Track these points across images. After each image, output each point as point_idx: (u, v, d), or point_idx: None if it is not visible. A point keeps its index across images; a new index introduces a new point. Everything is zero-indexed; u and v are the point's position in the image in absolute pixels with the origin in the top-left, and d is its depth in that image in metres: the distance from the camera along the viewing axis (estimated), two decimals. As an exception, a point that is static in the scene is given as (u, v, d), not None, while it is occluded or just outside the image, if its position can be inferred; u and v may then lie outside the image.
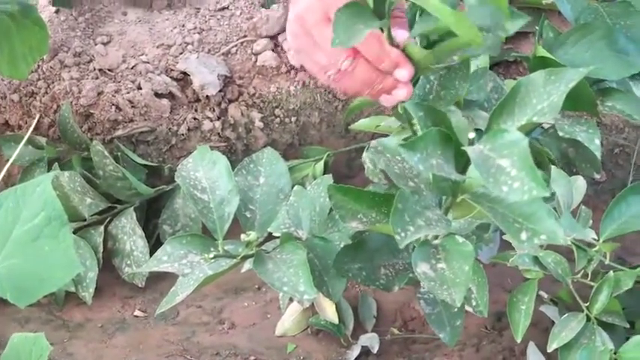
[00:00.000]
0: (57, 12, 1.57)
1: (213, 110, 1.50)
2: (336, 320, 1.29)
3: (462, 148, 0.69)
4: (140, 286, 1.43)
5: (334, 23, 0.69)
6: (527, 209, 0.70)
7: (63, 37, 1.53)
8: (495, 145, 0.65)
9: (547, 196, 0.62)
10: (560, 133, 1.02)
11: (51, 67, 1.48)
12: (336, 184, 0.85)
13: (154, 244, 1.44)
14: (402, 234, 0.71)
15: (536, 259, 1.09)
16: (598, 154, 1.00)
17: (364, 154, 1.15)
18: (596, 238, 1.05)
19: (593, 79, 1.08)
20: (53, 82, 1.47)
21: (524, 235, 0.70)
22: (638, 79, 1.09)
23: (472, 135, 0.70)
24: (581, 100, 1.06)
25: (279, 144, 1.57)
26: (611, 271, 1.07)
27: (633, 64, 1.06)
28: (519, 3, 1.53)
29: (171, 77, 1.49)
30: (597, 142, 1.01)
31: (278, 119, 1.54)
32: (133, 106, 1.45)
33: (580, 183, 1.07)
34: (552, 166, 0.99)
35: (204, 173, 1.00)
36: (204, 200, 0.97)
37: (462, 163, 0.71)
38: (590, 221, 1.08)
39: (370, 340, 1.31)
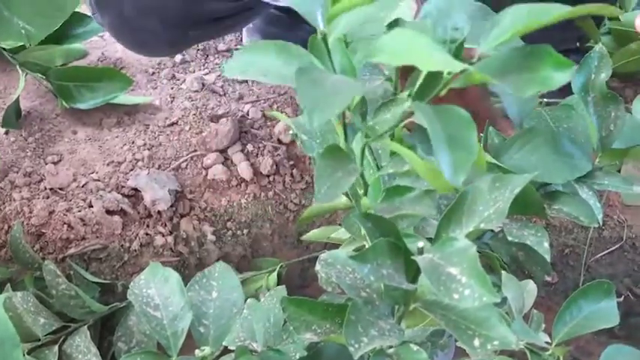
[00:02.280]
0: (6, 133, 1.57)
1: (165, 225, 1.50)
2: None
3: (412, 257, 0.69)
4: (96, 406, 1.40)
5: (317, 174, 0.71)
6: (480, 315, 0.71)
7: (13, 157, 1.53)
8: (444, 253, 0.66)
9: (498, 302, 0.62)
10: (509, 238, 1.03)
11: (1, 188, 1.48)
12: (289, 297, 0.85)
13: (109, 361, 1.42)
14: (356, 345, 0.71)
15: (490, 365, 1.09)
16: (548, 257, 1.01)
17: (317, 265, 1.16)
18: (549, 341, 1.05)
19: (540, 182, 1.10)
20: (4, 203, 1.47)
21: (477, 342, 0.70)
22: (583, 181, 1.11)
23: (421, 244, 0.71)
24: (529, 205, 1.08)
25: (232, 257, 1.57)
26: (566, 375, 1.07)
27: (578, 167, 1.08)
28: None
29: (122, 194, 1.49)
30: (546, 245, 1.02)
31: (230, 232, 1.54)
32: (84, 224, 1.45)
33: (531, 287, 1.08)
34: (503, 272, 1.00)
35: (157, 290, 0.99)
36: (158, 317, 0.96)
37: (413, 271, 0.72)
38: (543, 325, 1.08)
39: None
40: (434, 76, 0.62)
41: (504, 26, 0.57)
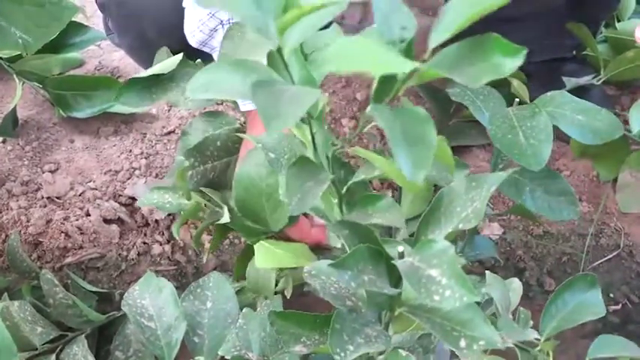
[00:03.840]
0: (3, 142, 1.58)
1: (163, 234, 1.50)
2: None
3: (392, 262, 0.69)
4: (92, 413, 1.40)
5: (286, 186, 0.71)
6: (464, 317, 0.71)
7: (10, 166, 1.53)
8: (424, 255, 0.66)
9: (481, 301, 0.62)
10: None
11: (-2, 197, 1.48)
12: (277, 311, 0.85)
13: (107, 370, 1.42)
14: (342, 353, 0.72)
15: (481, 366, 1.09)
16: None
17: (304, 276, 1.16)
18: (539, 337, 1.05)
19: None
20: (1, 212, 1.47)
21: (463, 343, 0.70)
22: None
23: (401, 248, 0.71)
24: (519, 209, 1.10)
25: (229, 265, 1.56)
26: (556, 371, 1.07)
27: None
28: (461, 117, 1.56)
29: (119, 203, 1.49)
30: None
31: (227, 240, 1.54)
32: (82, 233, 1.45)
33: (516, 285, 1.07)
34: (487, 271, 1.00)
35: (151, 301, 1.00)
36: (152, 328, 0.96)
37: (395, 276, 0.72)
38: (531, 322, 1.08)
39: None
40: (388, 78, 0.62)
41: (449, 20, 0.58)
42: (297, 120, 0.52)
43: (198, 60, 1.19)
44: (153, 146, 1.58)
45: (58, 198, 1.49)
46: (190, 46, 1.24)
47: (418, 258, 0.67)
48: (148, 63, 1.55)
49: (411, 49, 0.65)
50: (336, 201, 0.84)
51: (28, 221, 1.45)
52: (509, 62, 0.54)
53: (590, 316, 1.06)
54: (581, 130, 1.20)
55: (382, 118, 0.55)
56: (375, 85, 0.63)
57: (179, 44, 1.38)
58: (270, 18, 0.59)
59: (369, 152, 0.70)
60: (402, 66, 0.52)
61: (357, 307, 0.80)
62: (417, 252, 0.68)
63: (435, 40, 0.58)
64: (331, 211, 0.86)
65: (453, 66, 0.57)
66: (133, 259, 1.49)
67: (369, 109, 0.61)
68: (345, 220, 0.77)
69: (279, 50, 0.62)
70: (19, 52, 1.58)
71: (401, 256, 0.70)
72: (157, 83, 1.20)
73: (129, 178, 1.53)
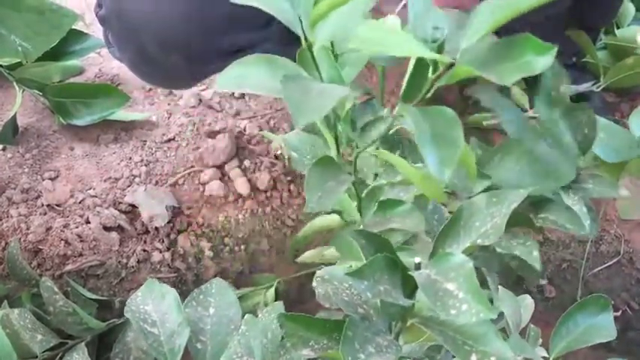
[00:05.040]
0: (3, 149, 1.57)
1: (163, 241, 1.50)
2: None
3: (409, 273, 0.69)
4: (92, 422, 1.39)
5: (308, 184, 0.71)
6: (477, 331, 0.71)
7: (10, 174, 1.53)
8: (441, 268, 0.66)
9: (494, 318, 0.62)
10: (498, 249, 1.03)
11: (-2, 205, 1.48)
12: (286, 313, 0.85)
13: (107, 378, 1.42)
14: (353, 361, 0.72)
15: (489, 381, 1.09)
16: (537, 266, 1.01)
17: (314, 281, 1.16)
18: (547, 356, 1.05)
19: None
20: (1, 220, 1.46)
21: (474, 358, 0.70)
22: (567, 187, 1.11)
23: (418, 259, 0.71)
24: (518, 217, 1.09)
25: (229, 272, 1.57)
26: (563, 389, 1.07)
27: (562, 176, 1.08)
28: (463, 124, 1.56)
29: (119, 210, 1.49)
30: (535, 253, 1.02)
31: (227, 248, 1.54)
32: (81, 241, 1.44)
33: (528, 302, 1.08)
34: (500, 287, 1.00)
35: (154, 307, 0.99)
36: (155, 334, 0.96)
37: (410, 287, 0.72)
38: (540, 340, 1.08)
39: None
40: (419, 76, 0.63)
41: (481, 21, 0.58)
42: (325, 113, 0.53)
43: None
44: (153, 154, 1.58)
45: (57, 205, 1.49)
46: (194, 59, 1.24)
47: (435, 271, 0.67)
48: (150, 78, 1.54)
49: (442, 49, 0.65)
50: (355, 204, 0.84)
51: (28, 229, 1.45)
52: (541, 60, 0.55)
53: (600, 339, 1.06)
54: (603, 147, 1.19)
55: (412, 117, 0.55)
56: (404, 84, 0.64)
57: (181, 58, 1.38)
58: (300, 12, 0.60)
59: (395, 156, 0.70)
60: (428, 53, 0.53)
61: (368, 315, 0.80)
62: (434, 265, 0.68)
63: (467, 40, 0.59)
64: (350, 212, 0.86)
65: (483, 63, 0.57)
66: (132, 267, 1.49)
67: (397, 108, 0.61)
68: (362, 230, 0.77)
69: (310, 46, 0.62)
70: (19, 60, 1.57)
71: (417, 267, 0.70)
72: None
73: (129, 186, 1.52)
